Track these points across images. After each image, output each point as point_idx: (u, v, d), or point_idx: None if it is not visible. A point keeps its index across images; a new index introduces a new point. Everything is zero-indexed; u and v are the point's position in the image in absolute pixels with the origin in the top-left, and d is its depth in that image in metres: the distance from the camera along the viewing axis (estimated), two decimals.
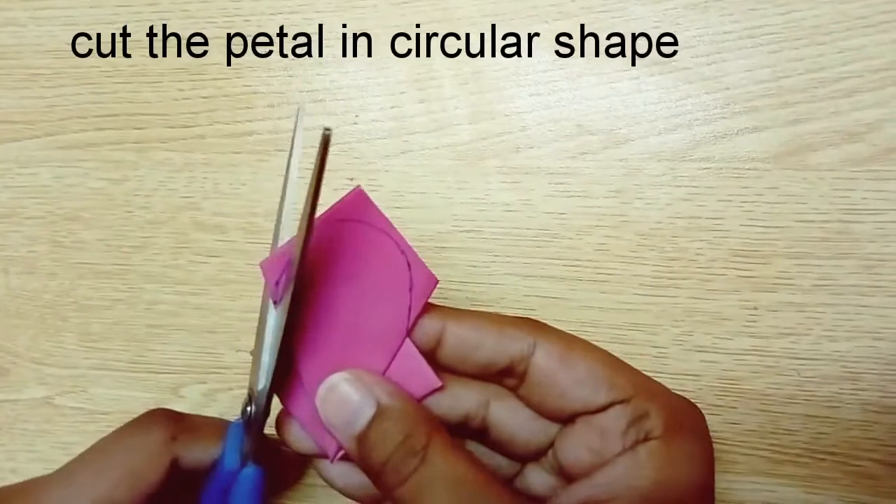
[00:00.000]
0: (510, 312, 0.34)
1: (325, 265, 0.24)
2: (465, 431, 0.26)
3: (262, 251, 0.35)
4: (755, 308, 0.32)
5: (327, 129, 0.21)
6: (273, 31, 0.35)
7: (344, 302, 0.25)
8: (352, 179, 0.34)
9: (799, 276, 0.31)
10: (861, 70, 0.31)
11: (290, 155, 0.25)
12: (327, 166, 0.22)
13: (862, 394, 0.31)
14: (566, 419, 0.25)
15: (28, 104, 0.37)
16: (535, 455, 0.26)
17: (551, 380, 0.24)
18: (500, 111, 0.33)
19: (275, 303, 0.24)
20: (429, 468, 0.22)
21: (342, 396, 0.23)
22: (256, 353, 0.26)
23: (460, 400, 0.25)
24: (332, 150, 0.34)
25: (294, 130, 0.25)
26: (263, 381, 0.25)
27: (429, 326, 0.25)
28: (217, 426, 0.29)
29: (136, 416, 0.37)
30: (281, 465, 0.33)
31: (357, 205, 0.25)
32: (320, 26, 0.35)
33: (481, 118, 0.33)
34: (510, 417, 0.25)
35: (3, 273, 0.38)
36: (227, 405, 0.36)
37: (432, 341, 0.25)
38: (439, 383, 0.25)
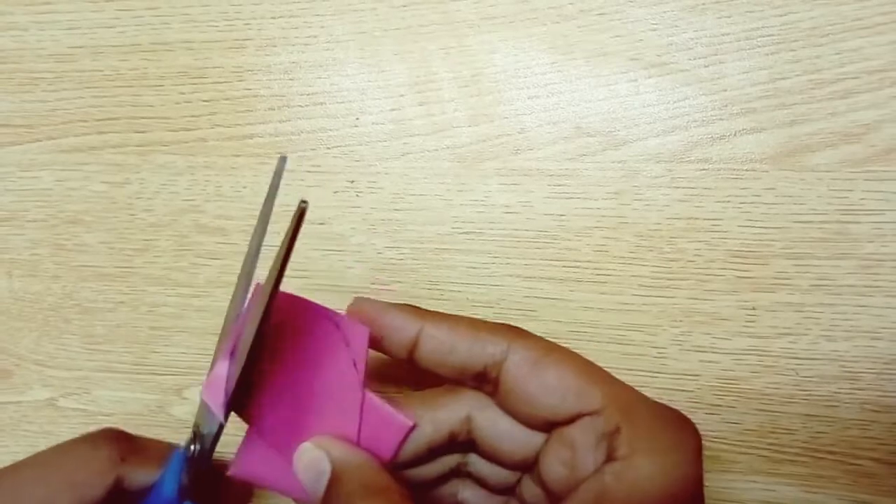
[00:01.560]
0: (510, 314, 0.34)
1: (271, 347, 0.25)
2: (458, 447, 0.26)
3: (263, 253, 0.35)
4: (753, 308, 0.32)
5: (304, 202, 0.21)
6: (273, 35, 0.35)
7: (295, 376, 0.25)
8: (352, 182, 0.35)
9: (797, 277, 0.32)
10: (858, 71, 0.31)
11: (266, 209, 0.26)
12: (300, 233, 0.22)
13: (860, 393, 0.32)
14: (541, 428, 0.25)
15: (30, 108, 0.38)
16: (525, 466, 0.26)
17: (521, 386, 0.24)
18: (499, 113, 0.33)
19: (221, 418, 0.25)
20: None
21: (306, 462, 0.24)
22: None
23: (441, 421, 0.25)
24: (333, 152, 0.35)
25: (273, 181, 0.25)
26: (214, 427, 0.26)
27: (406, 328, 0.25)
28: (163, 451, 0.30)
29: (139, 417, 0.38)
30: (222, 500, 0.34)
31: (355, 333, 0.25)
32: (321, 29, 0.35)
33: (481, 120, 0.33)
34: (492, 427, 0.25)
35: (7, 276, 0.38)
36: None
37: (409, 343, 0.25)
38: (410, 423, 0.25)
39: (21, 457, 0.38)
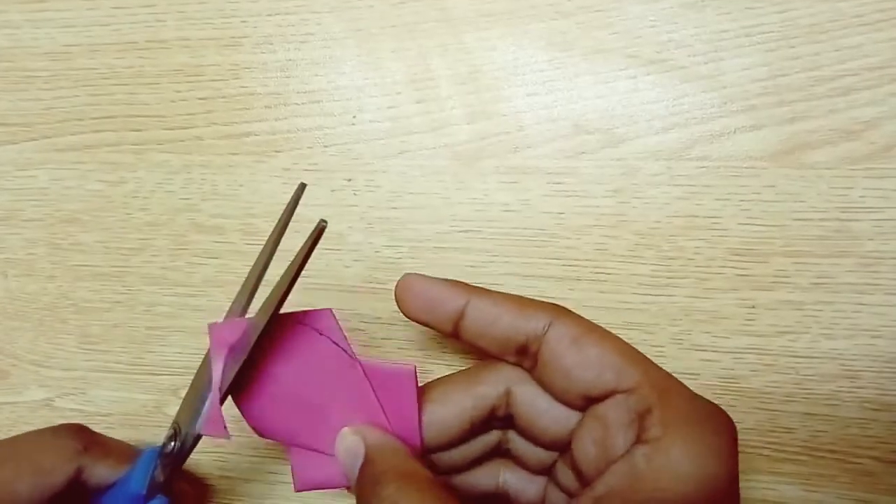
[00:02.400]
0: None
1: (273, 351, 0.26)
2: (498, 423, 0.27)
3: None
4: (753, 306, 0.32)
5: (323, 221, 0.23)
6: (270, 32, 0.35)
7: (296, 382, 0.26)
8: (350, 180, 0.34)
9: (797, 275, 0.31)
10: (858, 68, 0.31)
11: (280, 228, 0.27)
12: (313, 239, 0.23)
13: (860, 391, 0.31)
14: (576, 405, 0.25)
15: (25, 107, 0.37)
16: (561, 445, 0.26)
17: (560, 360, 0.24)
18: (497, 111, 0.33)
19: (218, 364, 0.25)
20: None
21: (345, 447, 0.25)
22: (191, 397, 0.28)
23: (482, 396, 0.26)
24: (330, 150, 0.35)
25: (288, 208, 0.27)
26: (197, 426, 0.27)
27: (453, 301, 0.26)
28: (126, 450, 0.31)
29: (135, 417, 0.37)
30: (189, 499, 0.34)
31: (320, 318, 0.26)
32: (317, 27, 0.35)
33: (479, 118, 0.33)
34: (530, 403, 0.26)
35: (2, 276, 0.38)
36: (227, 407, 0.36)
37: (455, 315, 0.26)
38: (411, 367, 0.26)
39: None
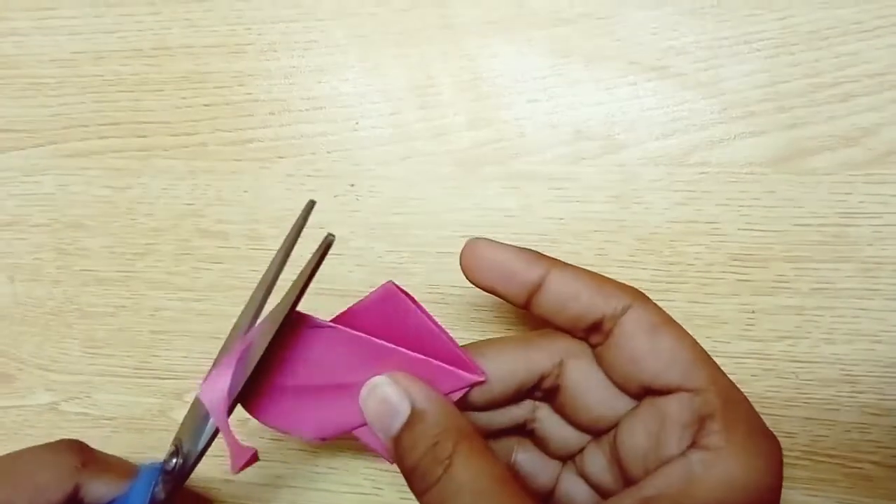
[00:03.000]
0: (510, 317, 0.34)
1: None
2: (541, 393, 0.26)
3: (264, 257, 0.36)
4: (753, 311, 0.32)
5: (331, 235, 0.22)
6: (274, 40, 0.35)
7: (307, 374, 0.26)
8: (352, 186, 0.35)
9: (797, 280, 0.32)
10: (857, 75, 0.31)
11: (287, 247, 0.27)
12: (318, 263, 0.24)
13: (860, 396, 0.32)
14: (633, 393, 0.24)
15: (31, 113, 0.38)
16: (599, 428, 0.26)
17: (633, 343, 0.24)
18: (498, 118, 0.33)
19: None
20: (452, 478, 0.22)
21: (380, 397, 0.24)
22: (193, 414, 0.27)
23: (535, 362, 0.25)
24: (333, 156, 0.35)
25: (296, 223, 0.26)
26: (201, 443, 0.26)
27: (530, 272, 0.25)
28: (124, 467, 0.30)
29: (140, 421, 0.38)
30: None
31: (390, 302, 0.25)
32: (320, 34, 0.35)
33: (480, 125, 0.34)
34: (583, 379, 0.25)
35: (9, 280, 0.39)
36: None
37: (532, 287, 0.25)
38: (482, 377, 0.25)
39: None
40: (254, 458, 0.24)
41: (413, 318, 0.24)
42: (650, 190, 0.32)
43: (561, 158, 0.33)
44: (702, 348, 0.24)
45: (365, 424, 0.25)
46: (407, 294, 0.25)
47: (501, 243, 0.25)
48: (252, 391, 0.25)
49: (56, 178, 0.38)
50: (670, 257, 0.32)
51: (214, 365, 0.27)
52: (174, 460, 0.27)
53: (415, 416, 0.23)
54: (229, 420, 0.24)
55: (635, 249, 0.33)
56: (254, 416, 0.26)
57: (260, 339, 0.24)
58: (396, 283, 0.24)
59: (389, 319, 0.24)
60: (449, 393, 0.25)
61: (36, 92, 0.38)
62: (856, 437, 0.32)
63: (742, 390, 0.32)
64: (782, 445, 0.32)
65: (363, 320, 0.25)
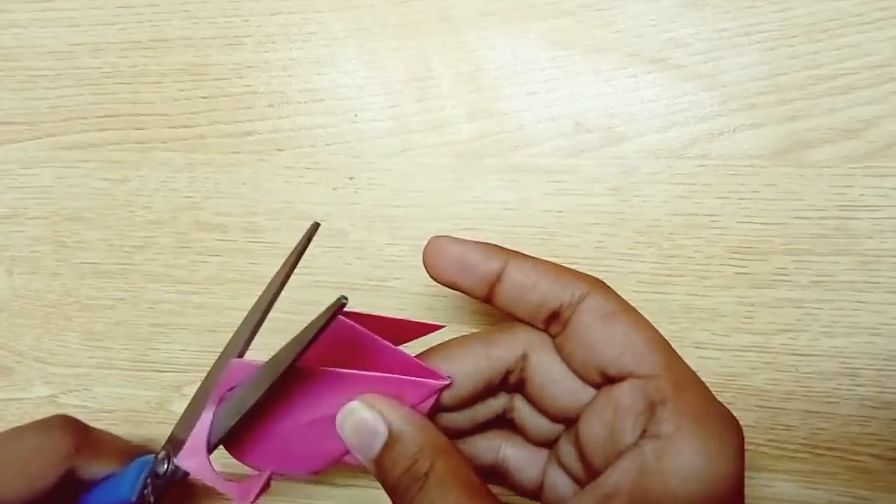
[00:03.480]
0: None
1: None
2: (509, 388, 0.27)
3: (262, 250, 0.36)
4: (753, 304, 0.32)
5: (344, 298, 0.22)
6: (272, 31, 0.35)
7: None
8: (351, 178, 0.35)
9: (796, 273, 0.32)
10: (857, 67, 0.31)
11: (289, 268, 0.27)
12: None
13: (860, 389, 0.32)
14: (591, 381, 0.25)
15: (30, 105, 0.38)
16: (568, 418, 0.26)
17: (588, 331, 0.24)
18: (497, 110, 0.33)
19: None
20: (427, 493, 0.22)
21: (358, 421, 0.24)
22: (186, 419, 0.27)
23: (498, 358, 0.26)
24: (332, 148, 0.35)
25: (301, 243, 0.27)
26: (182, 464, 0.26)
27: (490, 264, 0.25)
28: (120, 447, 0.30)
29: (139, 413, 0.38)
30: None
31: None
32: (319, 26, 0.35)
33: (479, 117, 0.33)
34: (546, 370, 0.25)
35: (7, 273, 0.39)
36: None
37: (492, 278, 0.25)
38: (446, 381, 0.25)
39: None
40: (267, 484, 0.25)
41: (364, 339, 0.24)
42: (649, 183, 0.32)
43: (560, 151, 0.33)
44: (659, 335, 0.24)
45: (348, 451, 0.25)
46: (350, 316, 0.24)
47: (462, 239, 0.26)
48: (236, 436, 0.26)
49: (54, 170, 0.38)
50: (670, 250, 0.32)
51: (187, 419, 0.27)
52: (165, 466, 0.27)
53: (392, 438, 0.24)
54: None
55: (634, 242, 0.33)
56: (240, 460, 0.26)
57: (251, 387, 0.24)
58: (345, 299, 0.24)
59: (342, 346, 0.25)
60: (419, 403, 0.25)
61: (34, 84, 0.38)
62: (855, 429, 0.32)
63: (741, 383, 0.32)
64: (782, 438, 0.32)
65: (319, 353, 0.24)
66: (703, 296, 0.32)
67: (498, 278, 0.25)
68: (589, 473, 0.25)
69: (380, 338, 0.25)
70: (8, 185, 0.38)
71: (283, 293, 0.35)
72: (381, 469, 0.24)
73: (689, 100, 0.32)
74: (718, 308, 0.32)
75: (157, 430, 0.38)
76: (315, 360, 0.24)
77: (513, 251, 0.26)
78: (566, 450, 0.26)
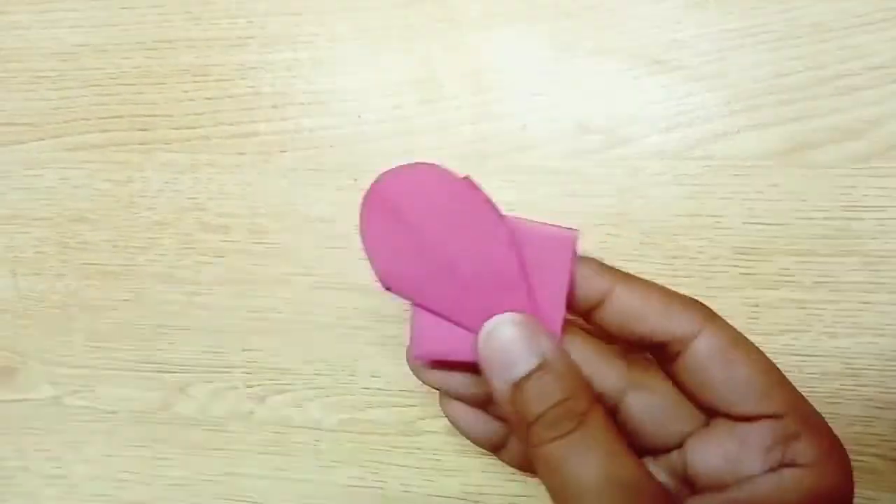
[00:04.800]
0: None
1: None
2: None
3: (266, 251, 0.36)
4: (756, 305, 0.32)
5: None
6: (276, 32, 0.35)
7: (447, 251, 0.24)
8: (355, 180, 0.35)
9: (800, 274, 0.32)
10: (861, 68, 0.31)
11: None
12: None
13: (863, 390, 0.32)
14: (707, 411, 0.24)
15: (33, 107, 0.38)
16: (655, 452, 0.25)
17: (706, 371, 0.23)
18: (501, 111, 0.33)
19: None
20: (585, 435, 0.21)
21: (508, 337, 0.22)
22: None
23: (601, 379, 0.24)
24: (335, 150, 0.35)
25: None
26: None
27: (595, 286, 0.24)
28: None
29: (144, 415, 0.38)
30: None
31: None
32: (322, 27, 0.35)
33: (483, 118, 0.33)
34: (645, 410, 0.24)
35: (11, 274, 0.39)
36: (234, 404, 0.36)
37: (595, 300, 0.24)
38: (574, 233, 0.24)
39: (28, 454, 0.38)
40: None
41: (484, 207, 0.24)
42: (653, 184, 0.32)
43: (564, 152, 0.33)
44: (777, 370, 0.23)
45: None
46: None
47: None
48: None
49: (58, 171, 0.38)
50: (674, 251, 0.32)
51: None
52: None
53: (546, 366, 0.22)
54: None
55: (639, 244, 0.33)
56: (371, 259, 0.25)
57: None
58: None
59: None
60: (559, 276, 0.23)
61: (37, 85, 0.38)
62: (859, 430, 0.32)
63: None
64: None
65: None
66: (708, 296, 0.32)
67: (601, 301, 0.24)
68: (693, 492, 0.24)
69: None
70: (11, 187, 0.38)
71: (284, 293, 0.36)
72: (520, 395, 0.22)
73: (694, 101, 0.32)
74: (722, 309, 0.32)
75: (162, 431, 0.38)
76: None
77: (619, 272, 0.24)
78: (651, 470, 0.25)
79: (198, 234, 0.37)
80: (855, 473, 0.32)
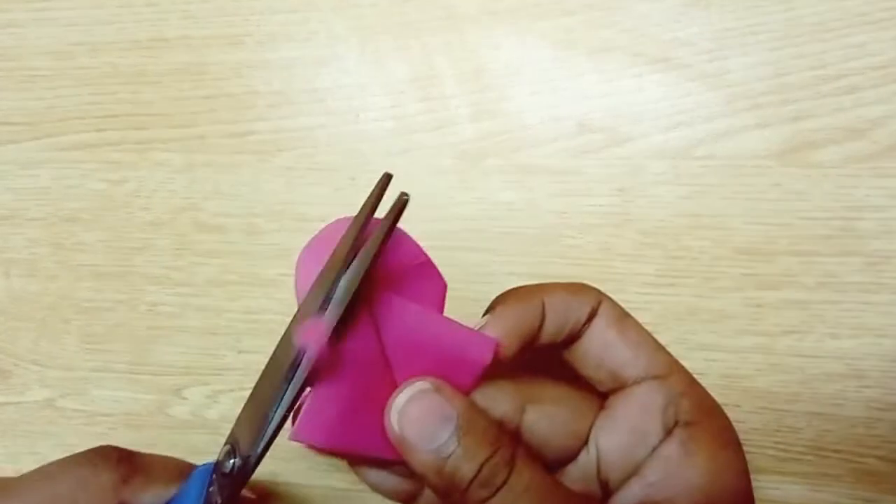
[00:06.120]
0: None
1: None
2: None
3: (263, 251, 0.35)
4: (759, 306, 0.32)
5: (405, 194, 0.22)
6: (273, 31, 0.35)
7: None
8: (353, 179, 0.34)
9: (802, 274, 0.31)
10: (863, 67, 0.31)
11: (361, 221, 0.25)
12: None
13: (866, 391, 0.31)
14: (603, 382, 0.25)
15: (28, 106, 0.37)
16: (565, 460, 0.25)
17: (604, 340, 0.24)
18: (501, 110, 0.33)
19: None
20: (517, 480, 0.21)
21: (423, 408, 0.22)
22: (251, 411, 0.24)
23: (497, 403, 0.24)
24: (334, 149, 0.34)
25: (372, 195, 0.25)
26: (261, 446, 0.23)
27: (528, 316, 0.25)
28: (172, 468, 0.28)
29: (137, 417, 0.37)
30: None
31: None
32: (320, 25, 0.34)
33: (483, 117, 0.33)
34: (546, 423, 0.25)
35: (5, 275, 0.38)
36: (229, 406, 0.36)
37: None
38: (494, 339, 0.24)
39: (20, 457, 0.38)
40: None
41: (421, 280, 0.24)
42: (655, 183, 0.32)
43: (564, 151, 0.33)
44: (655, 339, 0.25)
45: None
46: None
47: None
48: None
49: (52, 171, 0.37)
50: (675, 251, 0.32)
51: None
52: (231, 461, 0.24)
53: (465, 426, 0.22)
54: None
55: (640, 243, 0.32)
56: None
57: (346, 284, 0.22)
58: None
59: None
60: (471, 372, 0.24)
61: (32, 84, 0.37)
62: (861, 432, 0.31)
63: (747, 385, 0.32)
64: (788, 440, 0.32)
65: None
66: (709, 297, 0.32)
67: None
68: (607, 491, 0.24)
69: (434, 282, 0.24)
70: (6, 186, 0.38)
71: (279, 294, 0.35)
72: (450, 461, 0.22)
73: (695, 100, 0.32)
74: (724, 309, 0.32)
75: (157, 434, 0.37)
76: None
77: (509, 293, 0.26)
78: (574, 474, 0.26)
79: (193, 235, 0.36)
80: (857, 475, 0.32)
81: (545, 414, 0.25)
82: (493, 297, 0.33)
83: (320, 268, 0.23)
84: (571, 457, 0.25)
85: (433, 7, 0.33)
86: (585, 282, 0.32)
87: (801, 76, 0.31)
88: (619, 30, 0.32)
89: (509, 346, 0.24)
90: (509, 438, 0.22)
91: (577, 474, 0.25)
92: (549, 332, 0.25)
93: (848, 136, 0.31)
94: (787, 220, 0.31)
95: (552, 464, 0.25)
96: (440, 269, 0.34)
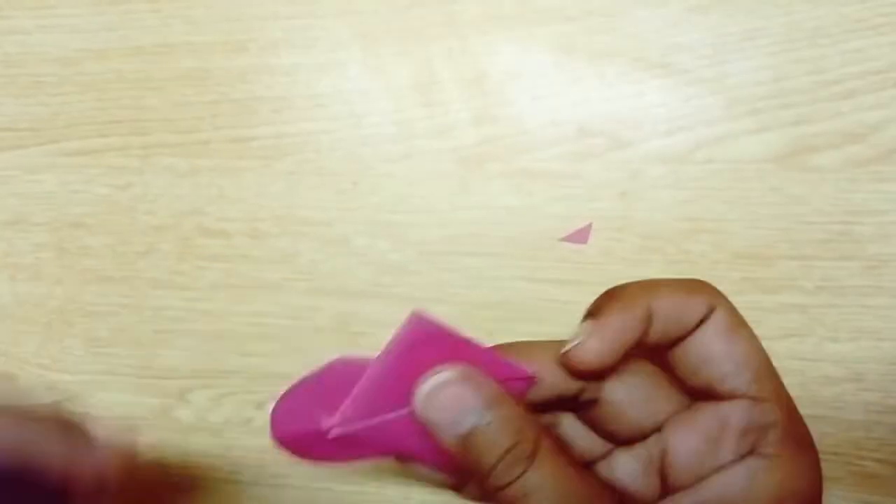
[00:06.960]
0: (514, 316, 0.34)
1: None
2: (571, 404, 0.26)
3: (266, 256, 0.36)
4: (758, 310, 0.32)
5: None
6: (276, 37, 0.35)
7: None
8: (355, 184, 0.35)
9: (802, 278, 0.31)
10: (862, 72, 0.31)
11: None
12: None
13: (865, 394, 0.31)
14: (693, 392, 0.24)
15: (33, 112, 0.38)
16: (633, 439, 0.25)
17: (709, 348, 0.24)
18: (502, 115, 0.33)
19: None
20: (536, 474, 0.22)
21: (451, 394, 0.23)
22: None
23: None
24: (336, 154, 0.35)
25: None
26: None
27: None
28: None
29: (142, 421, 0.37)
30: None
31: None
32: (323, 31, 0.35)
33: (484, 122, 0.33)
34: (626, 395, 0.25)
35: (10, 280, 0.38)
36: (233, 410, 0.36)
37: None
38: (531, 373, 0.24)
39: None
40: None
41: (445, 337, 0.23)
42: (655, 187, 0.32)
43: (565, 156, 0.33)
44: (771, 363, 0.24)
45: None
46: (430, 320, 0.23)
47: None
48: None
49: (57, 176, 0.38)
50: (675, 255, 0.32)
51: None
52: None
53: (490, 416, 0.22)
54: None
55: (640, 247, 0.32)
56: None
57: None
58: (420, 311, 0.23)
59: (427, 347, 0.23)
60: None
61: (37, 90, 0.37)
62: (860, 435, 0.32)
63: None
64: None
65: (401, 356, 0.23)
66: None
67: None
68: (665, 488, 0.24)
69: (461, 334, 0.23)
70: (11, 192, 0.38)
71: (283, 298, 0.36)
72: (471, 448, 0.22)
73: (695, 104, 0.32)
74: None
75: (162, 438, 0.37)
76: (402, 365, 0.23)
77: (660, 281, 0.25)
78: (623, 467, 0.26)
79: (197, 239, 0.36)
80: (856, 478, 0.32)
81: (628, 387, 0.25)
82: (493, 302, 0.34)
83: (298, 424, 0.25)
84: (641, 437, 0.25)
85: (434, 14, 0.34)
86: (585, 285, 0.33)
87: (800, 81, 0.31)
88: (619, 35, 0.32)
89: (610, 357, 0.24)
90: (533, 430, 0.22)
91: (644, 455, 0.25)
92: (654, 338, 0.24)
93: (847, 140, 0.31)
94: (787, 223, 0.31)
95: (622, 438, 0.25)
96: (442, 273, 0.34)
